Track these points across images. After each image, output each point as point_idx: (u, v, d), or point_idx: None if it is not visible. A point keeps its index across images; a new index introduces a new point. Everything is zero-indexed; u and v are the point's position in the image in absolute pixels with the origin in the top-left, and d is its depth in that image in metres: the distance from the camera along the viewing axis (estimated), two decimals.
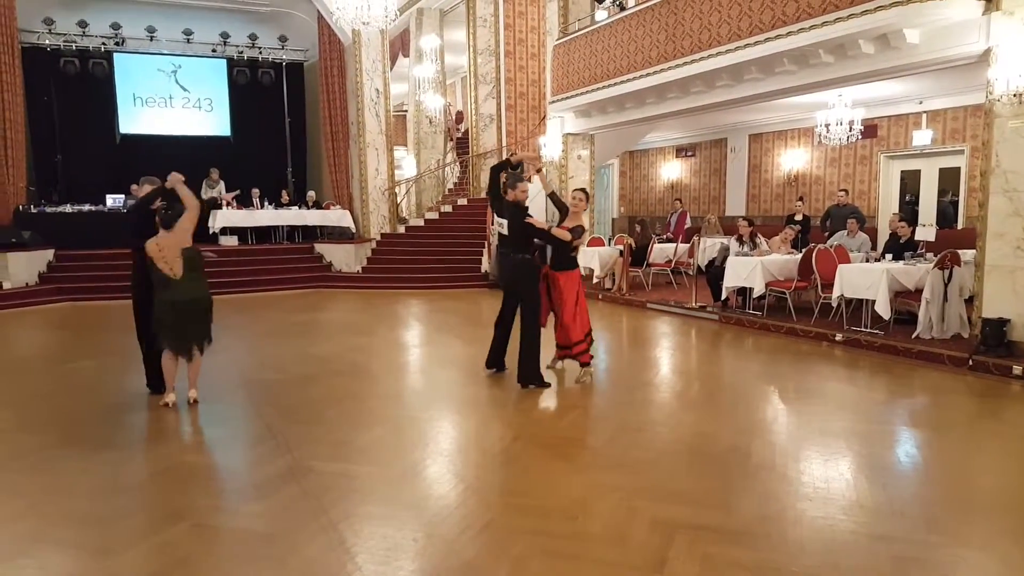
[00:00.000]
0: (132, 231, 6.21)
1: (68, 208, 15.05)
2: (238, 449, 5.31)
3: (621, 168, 21.33)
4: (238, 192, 16.41)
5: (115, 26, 17.22)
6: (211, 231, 16.30)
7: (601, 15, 14.25)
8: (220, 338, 9.94)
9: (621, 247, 13.12)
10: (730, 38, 9.83)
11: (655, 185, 20.64)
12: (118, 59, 17.56)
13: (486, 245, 15.21)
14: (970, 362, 7.29)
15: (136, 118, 17.99)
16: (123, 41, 17.48)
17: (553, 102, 14.46)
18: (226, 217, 16.32)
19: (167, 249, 6.06)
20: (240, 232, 16.61)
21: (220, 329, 10.52)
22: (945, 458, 5.02)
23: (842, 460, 4.84)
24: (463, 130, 21.29)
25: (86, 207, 15.25)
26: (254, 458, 5.01)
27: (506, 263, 6.86)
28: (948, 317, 8.25)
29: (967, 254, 8.69)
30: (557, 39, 14.16)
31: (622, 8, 13.01)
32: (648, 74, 11.51)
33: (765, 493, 4.24)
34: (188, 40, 18.01)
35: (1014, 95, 7.03)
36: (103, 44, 17.23)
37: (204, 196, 17.02)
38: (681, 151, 19.64)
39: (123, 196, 15.76)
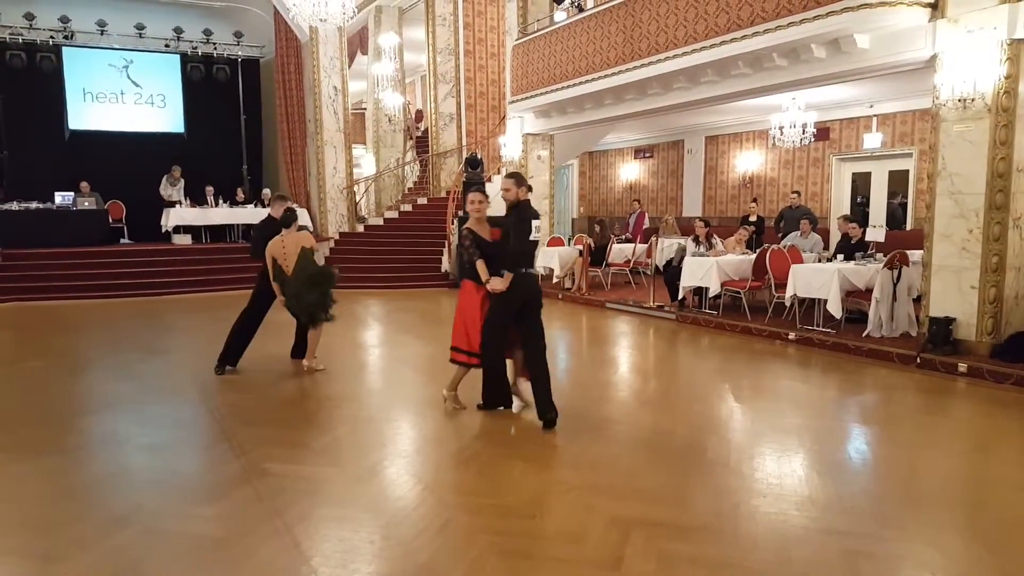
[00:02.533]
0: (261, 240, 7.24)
1: (15, 206, 14.58)
2: (190, 452, 5.21)
3: (581, 168, 21.45)
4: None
5: (64, 19, 16.79)
6: (164, 229, 16.02)
7: (560, 16, 14.29)
8: (173, 338, 9.79)
9: (580, 247, 13.20)
10: (686, 41, 9.94)
11: (614, 186, 20.80)
12: (67, 53, 17.13)
13: (446, 244, 15.16)
14: (918, 360, 7.47)
15: (86, 114, 17.56)
16: (72, 35, 17.05)
17: (513, 102, 14.47)
18: (179, 216, 16.04)
19: (289, 246, 7.08)
20: (194, 231, 16.33)
21: (173, 330, 10.42)
22: (894, 454, 5.14)
23: (795, 456, 4.93)
24: (423, 129, 21.22)
25: (33, 205, 14.79)
26: (207, 461, 4.93)
27: (529, 280, 5.66)
28: (897, 316, 8.46)
29: (915, 254, 8.91)
30: (516, 39, 14.18)
31: (580, 9, 13.07)
32: (606, 75, 11.59)
33: (720, 489, 4.29)
34: (140, 35, 17.65)
35: (959, 100, 7.23)
36: (51, 38, 16.80)
37: (163, 192, 16.74)
38: (639, 152, 19.82)
39: (72, 194, 15.36)
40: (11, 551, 3.58)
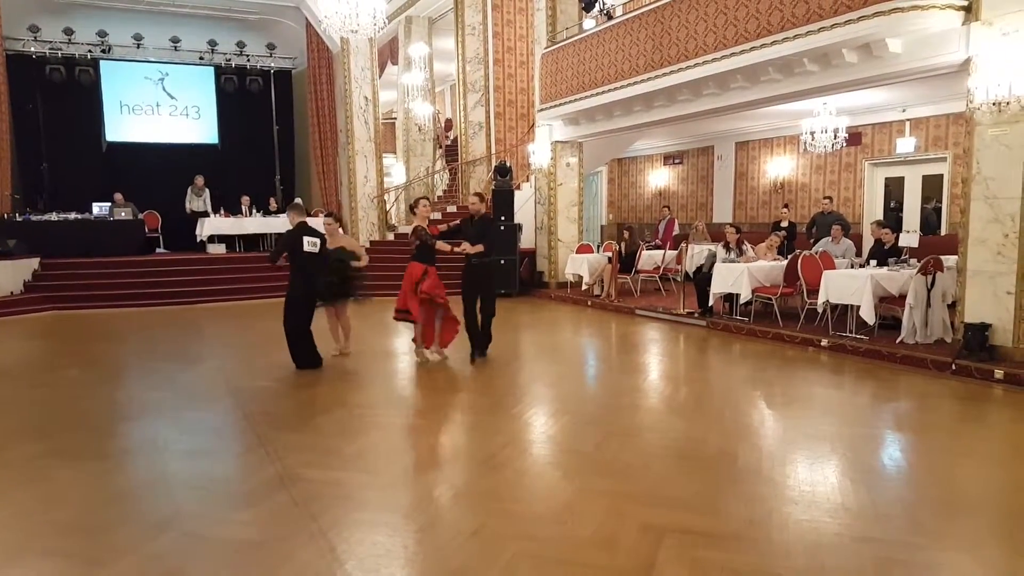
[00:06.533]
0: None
1: (54, 216, 14.91)
2: (227, 457, 5.31)
3: (609, 175, 21.45)
4: None
5: (101, 33, 17.17)
6: (198, 239, 16.29)
7: (589, 24, 14.33)
8: (208, 346, 9.96)
9: (609, 254, 13.19)
10: (716, 47, 9.92)
11: (643, 192, 20.75)
12: (104, 66, 17.52)
13: None
14: (953, 366, 7.37)
15: (123, 126, 17.95)
16: (109, 48, 17.43)
17: (541, 110, 14.52)
18: (214, 225, 16.31)
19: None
20: (228, 240, 16.58)
21: (208, 338, 10.59)
22: (929, 461, 5.09)
23: (828, 464, 4.90)
24: (452, 137, 21.35)
25: (72, 215, 15.09)
26: (243, 466, 5.01)
27: (489, 265, 8.38)
28: (931, 322, 8.35)
29: (950, 260, 8.79)
30: (545, 47, 14.23)
31: (610, 17, 13.09)
32: (635, 82, 11.59)
33: (752, 497, 4.28)
34: (175, 48, 18.00)
35: (993, 104, 7.12)
36: (89, 51, 17.18)
37: (189, 204, 17.03)
38: (669, 159, 19.76)
39: (109, 204, 15.69)
40: (55, 554, 3.68)
